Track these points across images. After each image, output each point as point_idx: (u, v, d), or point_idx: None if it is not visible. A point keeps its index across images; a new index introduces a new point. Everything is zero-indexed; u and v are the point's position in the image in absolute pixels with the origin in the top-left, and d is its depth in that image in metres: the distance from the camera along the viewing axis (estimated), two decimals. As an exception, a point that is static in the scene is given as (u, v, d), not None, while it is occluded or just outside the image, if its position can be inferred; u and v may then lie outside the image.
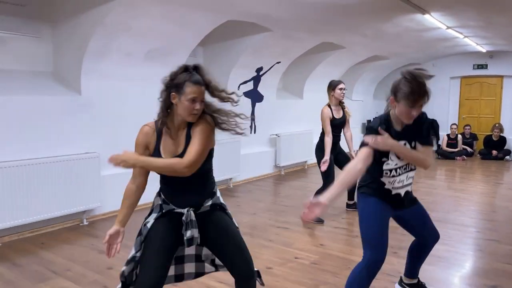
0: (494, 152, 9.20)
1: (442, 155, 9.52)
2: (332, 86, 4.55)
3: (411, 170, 2.34)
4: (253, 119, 6.82)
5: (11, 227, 3.80)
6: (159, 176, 2.03)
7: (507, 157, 9.20)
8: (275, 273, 3.15)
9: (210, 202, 2.04)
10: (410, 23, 5.94)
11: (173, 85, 1.87)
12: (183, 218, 1.95)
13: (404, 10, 5.17)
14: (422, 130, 2.27)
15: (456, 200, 5.68)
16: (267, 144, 7.30)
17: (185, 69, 1.90)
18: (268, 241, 3.89)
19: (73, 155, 4.25)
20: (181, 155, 1.88)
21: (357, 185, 2.46)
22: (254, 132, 6.93)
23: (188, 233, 1.93)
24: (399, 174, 2.29)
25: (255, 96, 6.87)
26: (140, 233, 2.01)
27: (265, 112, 7.03)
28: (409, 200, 2.43)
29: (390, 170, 2.27)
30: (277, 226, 4.35)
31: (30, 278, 3.03)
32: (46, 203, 3.99)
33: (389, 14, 5.47)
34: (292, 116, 7.82)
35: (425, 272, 3.13)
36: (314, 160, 8.35)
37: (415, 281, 2.76)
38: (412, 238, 2.61)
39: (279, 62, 6.90)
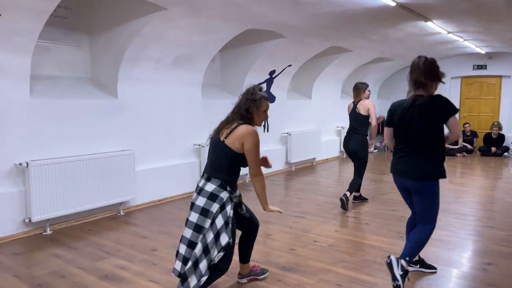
0: (493, 149, 9.65)
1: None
2: (363, 88, 5.24)
3: None
4: (265, 119, 7.28)
5: (61, 216, 4.29)
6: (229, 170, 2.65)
7: (506, 153, 9.65)
8: (298, 253, 3.62)
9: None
10: (413, 28, 6.39)
11: (255, 98, 2.65)
12: (237, 199, 2.70)
13: (408, 18, 5.62)
14: None
15: (457, 193, 6.14)
16: (279, 142, 7.76)
17: (259, 88, 2.70)
18: (289, 228, 4.36)
19: (110, 152, 4.71)
20: None
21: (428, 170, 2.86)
22: (267, 131, 7.40)
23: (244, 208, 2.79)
24: None
25: (268, 97, 7.32)
26: (227, 223, 2.54)
27: (277, 112, 7.49)
28: None
29: None
30: (295, 216, 4.82)
31: (88, 258, 3.51)
32: (88, 195, 4.46)
33: (394, 21, 5.92)
34: (302, 116, 8.29)
35: (430, 253, 3.60)
36: (322, 157, 8.89)
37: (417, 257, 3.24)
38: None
39: (290, 65, 7.37)
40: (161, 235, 4.11)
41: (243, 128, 2.57)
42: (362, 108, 5.17)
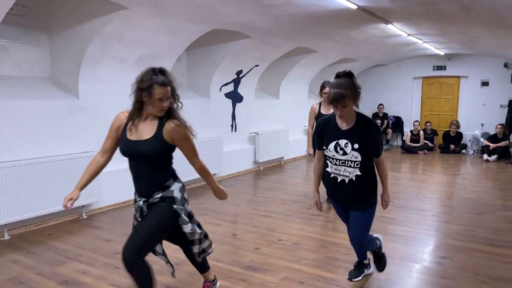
0: (452, 147, 10.08)
1: (406, 149, 10.33)
2: (320, 88, 5.14)
3: (350, 167, 2.67)
4: (233, 118, 7.33)
5: (19, 221, 4.15)
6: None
7: (464, 150, 10.11)
8: (262, 252, 3.68)
9: (160, 195, 2.38)
10: (375, 30, 6.58)
11: (143, 87, 2.23)
12: (136, 206, 2.43)
13: (369, 21, 5.78)
14: (373, 142, 2.63)
15: (416, 189, 6.39)
16: (247, 141, 7.80)
17: (152, 72, 2.25)
18: (254, 227, 4.41)
19: (72, 154, 4.60)
20: (146, 141, 2.30)
21: None
22: (235, 131, 7.42)
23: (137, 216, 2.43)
24: (335, 164, 2.71)
25: (235, 97, 7.36)
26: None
27: (245, 112, 7.54)
28: (346, 198, 2.79)
29: (328, 157, 2.76)
30: (261, 215, 4.88)
31: (48, 263, 3.42)
32: (49, 198, 4.34)
33: (356, 23, 6.07)
34: (270, 115, 8.37)
35: (387, 248, 3.72)
36: (290, 156, 9.01)
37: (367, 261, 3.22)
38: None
39: (258, 65, 7.42)
40: (125, 238, 4.03)
41: None
42: None
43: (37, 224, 4.36)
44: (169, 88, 2.27)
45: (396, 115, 11.43)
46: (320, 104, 5.14)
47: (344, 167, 2.69)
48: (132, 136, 2.34)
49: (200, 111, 6.53)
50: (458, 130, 10.26)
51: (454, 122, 10.35)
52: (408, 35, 7.00)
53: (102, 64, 4.83)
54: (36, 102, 4.42)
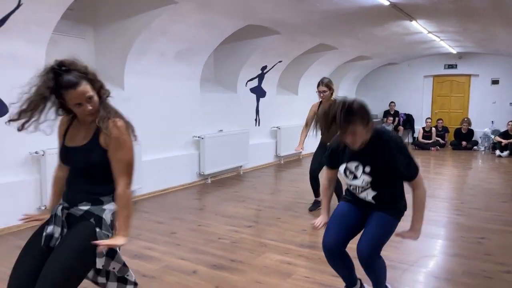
0: (464, 143, 10.33)
1: (418, 146, 10.58)
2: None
3: (364, 189, 2.21)
4: (257, 113, 7.55)
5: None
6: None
7: (475, 147, 10.35)
8: (311, 233, 3.89)
9: (86, 208, 1.78)
10: (397, 28, 6.82)
11: (54, 93, 1.68)
12: (52, 211, 1.82)
13: (395, 17, 6.01)
14: (393, 165, 2.06)
15: (437, 181, 6.60)
16: (269, 135, 8.01)
17: (53, 72, 1.67)
18: (295, 212, 4.62)
19: (117, 143, 4.78)
20: (84, 147, 1.80)
21: None
22: (258, 125, 7.64)
23: (49, 229, 1.77)
24: (354, 190, 2.27)
25: (259, 92, 7.58)
26: None
27: (267, 107, 7.75)
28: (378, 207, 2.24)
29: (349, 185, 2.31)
30: (298, 202, 5.09)
31: (111, 242, 3.61)
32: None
33: (382, 20, 6.30)
34: (290, 111, 8.58)
35: (427, 231, 3.94)
36: (307, 151, 9.20)
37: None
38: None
39: (281, 61, 7.63)
40: (175, 220, 4.26)
41: None
42: None
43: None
44: (83, 86, 1.69)
45: (407, 113, 11.67)
46: (320, 103, 4.69)
47: (365, 191, 2.22)
48: (69, 141, 1.86)
49: (228, 105, 6.73)
50: (469, 127, 10.51)
51: (466, 119, 10.60)
52: (428, 32, 7.24)
53: (145, 57, 5.02)
54: (85, 92, 4.60)
